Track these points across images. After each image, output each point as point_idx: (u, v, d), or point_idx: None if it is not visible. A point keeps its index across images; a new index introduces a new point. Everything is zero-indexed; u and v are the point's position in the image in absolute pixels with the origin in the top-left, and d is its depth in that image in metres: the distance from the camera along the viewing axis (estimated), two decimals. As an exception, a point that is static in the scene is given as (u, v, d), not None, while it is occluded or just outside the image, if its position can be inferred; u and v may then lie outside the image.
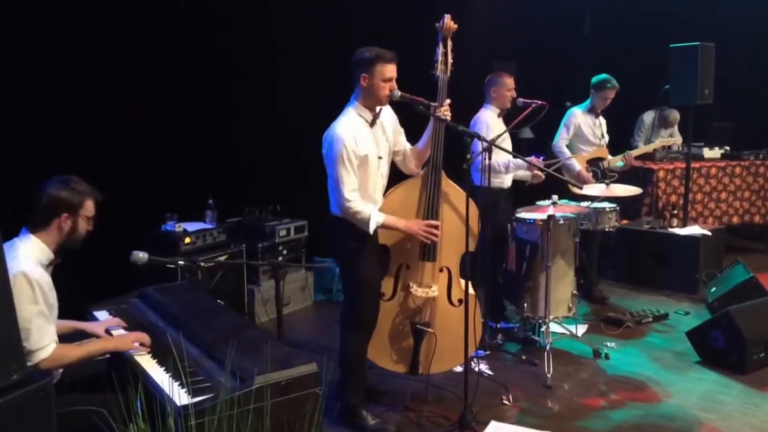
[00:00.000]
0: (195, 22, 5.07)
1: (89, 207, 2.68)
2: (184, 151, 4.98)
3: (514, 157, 4.36)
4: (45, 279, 2.54)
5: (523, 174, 4.77)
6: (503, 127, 4.62)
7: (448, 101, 3.48)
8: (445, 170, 3.57)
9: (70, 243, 2.67)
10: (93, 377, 2.75)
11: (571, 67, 7.36)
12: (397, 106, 3.44)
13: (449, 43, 3.56)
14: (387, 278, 3.61)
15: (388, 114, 3.51)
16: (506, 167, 4.61)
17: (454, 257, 3.66)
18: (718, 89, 5.99)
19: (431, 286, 3.60)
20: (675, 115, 6.93)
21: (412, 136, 3.66)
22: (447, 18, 3.52)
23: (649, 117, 7.03)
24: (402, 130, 3.60)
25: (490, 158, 3.77)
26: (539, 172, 4.52)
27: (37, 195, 2.59)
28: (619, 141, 6.16)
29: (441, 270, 3.64)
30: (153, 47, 4.80)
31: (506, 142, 4.63)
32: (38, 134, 4.10)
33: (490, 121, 4.61)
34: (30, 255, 2.54)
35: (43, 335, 2.49)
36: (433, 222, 3.46)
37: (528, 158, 4.39)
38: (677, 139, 6.38)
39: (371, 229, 3.29)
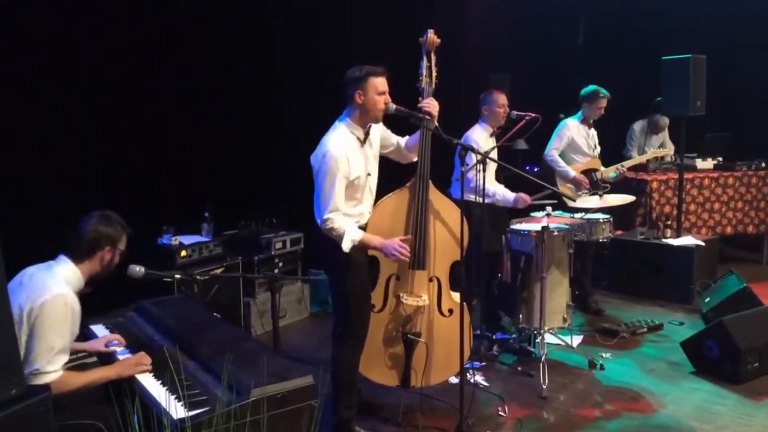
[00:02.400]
0: (195, 28, 5.11)
1: (124, 241, 2.87)
2: (180, 164, 4.99)
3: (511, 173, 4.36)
4: (77, 307, 2.65)
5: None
6: (492, 146, 4.59)
7: (432, 99, 3.51)
8: (436, 181, 3.59)
9: (103, 274, 2.83)
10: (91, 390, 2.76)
11: (565, 78, 7.41)
12: (388, 120, 3.46)
13: (433, 57, 3.61)
14: (377, 289, 3.61)
15: (376, 128, 3.52)
16: (492, 195, 4.54)
17: (444, 267, 3.67)
18: (711, 100, 6.04)
19: (421, 296, 3.61)
20: (664, 120, 6.97)
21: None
22: (430, 33, 3.59)
23: (638, 126, 7.07)
24: (387, 130, 3.61)
25: (485, 170, 3.78)
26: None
27: (80, 227, 2.76)
28: (612, 152, 6.20)
29: (431, 280, 3.65)
30: (153, 59, 4.83)
31: (490, 168, 4.57)
32: (36, 143, 4.12)
33: (478, 139, 4.59)
34: (68, 280, 2.67)
35: (56, 361, 2.55)
36: (406, 237, 3.44)
37: (517, 194, 4.54)
38: (669, 150, 6.42)
39: (346, 247, 3.27)
